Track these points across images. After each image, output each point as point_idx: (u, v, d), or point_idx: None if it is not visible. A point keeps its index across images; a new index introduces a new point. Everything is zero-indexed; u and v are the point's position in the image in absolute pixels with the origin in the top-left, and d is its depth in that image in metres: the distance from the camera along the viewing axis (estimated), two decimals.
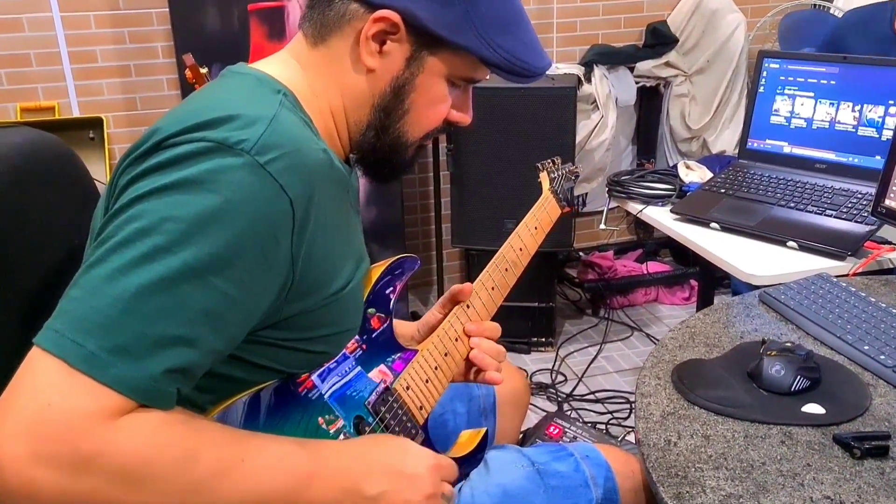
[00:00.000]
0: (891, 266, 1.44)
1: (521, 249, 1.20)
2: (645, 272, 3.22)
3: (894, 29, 1.99)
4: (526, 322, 2.82)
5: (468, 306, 1.10)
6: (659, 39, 3.17)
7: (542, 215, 1.26)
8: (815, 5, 3.10)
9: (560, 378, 2.67)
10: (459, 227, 2.73)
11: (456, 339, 1.07)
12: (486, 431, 1.11)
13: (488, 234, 2.66)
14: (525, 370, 2.70)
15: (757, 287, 1.35)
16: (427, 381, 1.02)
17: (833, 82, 1.64)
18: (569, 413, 2.44)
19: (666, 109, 3.31)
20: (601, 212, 3.07)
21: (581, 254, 3.27)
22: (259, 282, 0.76)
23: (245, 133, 0.74)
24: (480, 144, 2.58)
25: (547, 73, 2.49)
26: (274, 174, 0.74)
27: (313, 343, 0.87)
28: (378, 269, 1.02)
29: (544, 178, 1.31)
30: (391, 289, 1.01)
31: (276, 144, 0.75)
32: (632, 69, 3.17)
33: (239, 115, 0.76)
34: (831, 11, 3.00)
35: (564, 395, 2.56)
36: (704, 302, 2.08)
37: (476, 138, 2.58)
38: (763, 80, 1.74)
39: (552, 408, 2.49)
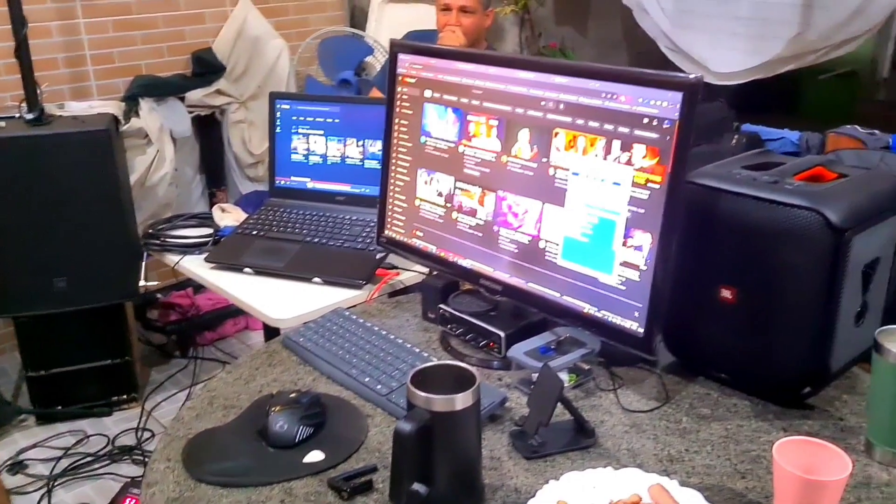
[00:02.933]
0: (402, 286, 1.60)
1: None
2: (230, 302, 3.19)
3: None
4: (103, 382, 2.60)
5: None
6: (206, 67, 3.15)
7: None
8: (353, 33, 3.34)
9: (147, 435, 2.51)
10: (2, 294, 2.39)
11: None
12: None
13: (39, 297, 2.38)
14: (107, 436, 2.49)
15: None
16: None
17: (338, 121, 1.77)
18: None
19: (227, 137, 3.30)
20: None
21: (159, 295, 3.12)
22: None
23: None
24: (13, 203, 2.28)
25: (76, 114, 2.25)
26: None
27: None
28: None
29: None
30: None
31: None
32: (183, 99, 3.10)
33: None
34: (365, 39, 3.27)
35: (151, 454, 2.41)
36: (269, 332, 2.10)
37: (5, 198, 2.27)
38: (278, 120, 1.81)
39: (140, 472, 2.33)
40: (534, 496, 0.88)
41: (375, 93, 2.54)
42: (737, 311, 1.09)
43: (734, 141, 2.32)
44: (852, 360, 1.10)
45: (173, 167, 3.01)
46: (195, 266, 1.68)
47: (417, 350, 1.24)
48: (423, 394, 0.86)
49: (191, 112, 3.11)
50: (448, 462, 0.88)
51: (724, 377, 1.15)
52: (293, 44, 3.43)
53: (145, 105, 2.93)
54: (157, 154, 2.94)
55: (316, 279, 1.56)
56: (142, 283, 1.82)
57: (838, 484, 0.78)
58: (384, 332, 1.30)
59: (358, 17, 3.75)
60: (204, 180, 3.39)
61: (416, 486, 0.87)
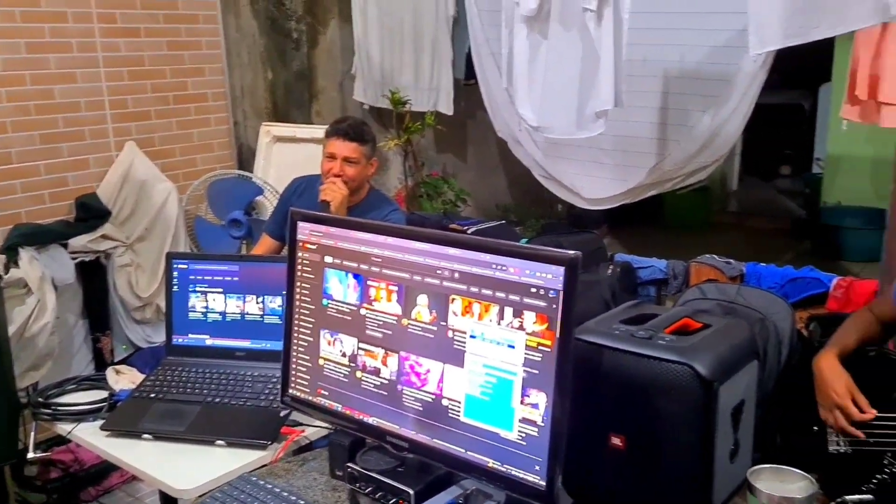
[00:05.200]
0: (307, 442, 1.61)
1: None
2: None
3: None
4: None
5: None
6: (90, 213, 3.11)
7: None
8: (239, 175, 3.41)
9: None
10: None
11: None
12: None
13: None
14: None
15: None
16: None
17: (236, 279, 1.81)
18: None
19: (112, 281, 3.22)
20: None
21: (38, 451, 2.92)
22: None
23: None
24: None
25: None
26: None
27: None
28: None
29: None
30: None
31: None
32: (66, 245, 3.03)
33: None
34: (254, 180, 3.34)
35: None
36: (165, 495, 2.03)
37: None
38: (175, 280, 1.83)
39: None
40: None
41: (265, 241, 2.60)
42: (627, 457, 1.19)
43: (609, 270, 2.51)
44: (730, 494, 1.21)
45: (55, 315, 2.91)
46: (89, 435, 1.63)
47: None
48: None
49: (74, 258, 3.03)
50: None
51: None
52: (181, 184, 3.45)
53: (25, 254, 2.85)
54: (38, 304, 2.83)
55: (219, 441, 1.55)
56: (31, 454, 1.74)
57: None
58: (293, 498, 1.31)
59: (246, 156, 3.83)
60: (87, 325, 3.27)
61: None
